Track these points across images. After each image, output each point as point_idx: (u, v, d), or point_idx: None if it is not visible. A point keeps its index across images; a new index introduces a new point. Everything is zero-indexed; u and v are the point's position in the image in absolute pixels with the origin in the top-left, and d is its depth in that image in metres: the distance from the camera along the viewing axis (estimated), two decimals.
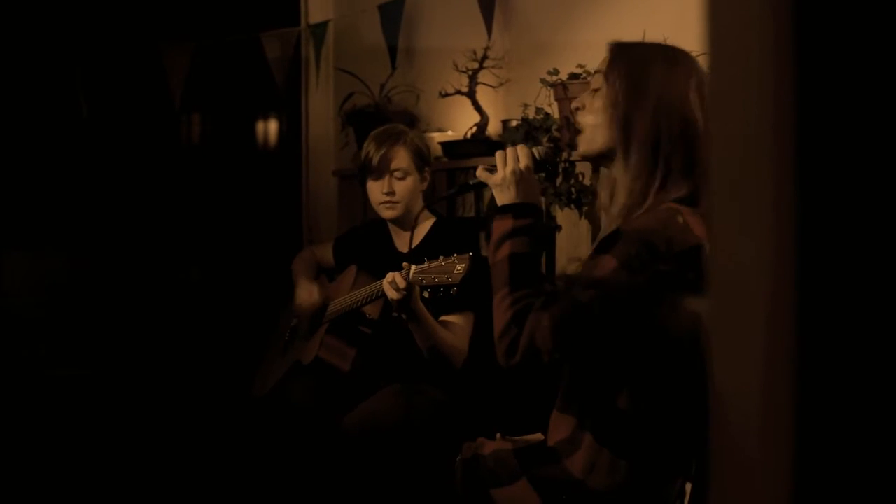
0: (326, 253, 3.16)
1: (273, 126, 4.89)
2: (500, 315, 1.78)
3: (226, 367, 3.85)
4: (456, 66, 3.56)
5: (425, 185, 2.87)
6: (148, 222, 4.74)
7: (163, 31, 4.45)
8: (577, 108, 1.90)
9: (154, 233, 4.74)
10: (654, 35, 2.82)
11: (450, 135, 3.74)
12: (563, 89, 3.05)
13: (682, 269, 1.71)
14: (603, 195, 1.88)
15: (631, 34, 2.87)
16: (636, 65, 1.82)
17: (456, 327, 2.64)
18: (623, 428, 1.80)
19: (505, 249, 1.83)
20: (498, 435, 2.06)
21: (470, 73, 3.53)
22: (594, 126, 1.85)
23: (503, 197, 1.88)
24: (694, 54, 2.71)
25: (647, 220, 1.76)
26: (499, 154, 1.92)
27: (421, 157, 2.83)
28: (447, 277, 2.26)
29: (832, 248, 0.70)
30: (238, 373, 3.36)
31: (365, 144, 2.86)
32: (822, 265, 0.70)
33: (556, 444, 1.88)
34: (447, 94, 3.57)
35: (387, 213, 2.83)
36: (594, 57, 2.66)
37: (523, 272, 1.80)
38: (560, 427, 1.89)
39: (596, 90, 1.87)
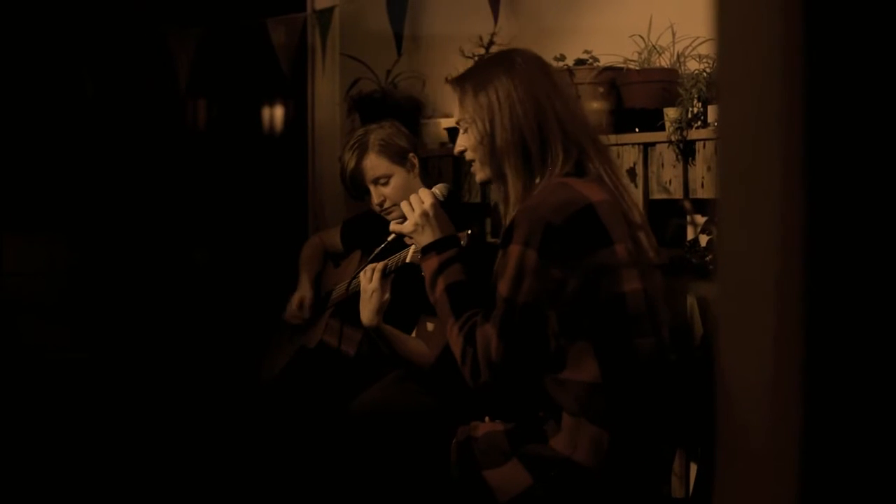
0: (334, 238, 3.15)
1: (279, 112, 4.88)
2: (455, 343, 1.90)
3: (232, 352, 3.85)
4: (462, 51, 3.55)
5: (416, 170, 2.82)
6: (153, 207, 4.74)
7: (169, 16, 4.44)
8: (461, 152, 2.03)
9: (159, 218, 4.74)
10: (660, 21, 2.81)
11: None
12: (570, 75, 3.05)
13: (576, 228, 1.82)
14: (502, 206, 2.01)
15: (637, 19, 2.87)
16: (479, 89, 1.95)
17: (430, 333, 2.59)
18: (592, 399, 1.85)
19: (440, 284, 1.95)
20: (486, 419, 2.09)
21: (476, 58, 3.52)
22: (478, 162, 1.99)
23: (422, 239, 2.02)
24: (701, 40, 2.71)
25: (534, 198, 1.88)
26: (404, 204, 2.06)
27: (396, 151, 2.77)
28: None
29: (839, 236, 0.70)
30: (244, 358, 3.37)
31: (341, 161, 2.83)
32: (829, 253, 0.70)
33: (546, 425, 1.92)
34: None
35: (391, 219, 2.81)
36: (601, 42, 2.68)
37: (463, 298, 1.93)
38: (548, 409, 1.94)
39: (465, 130, 2.00)
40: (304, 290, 3.02)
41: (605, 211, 1.85)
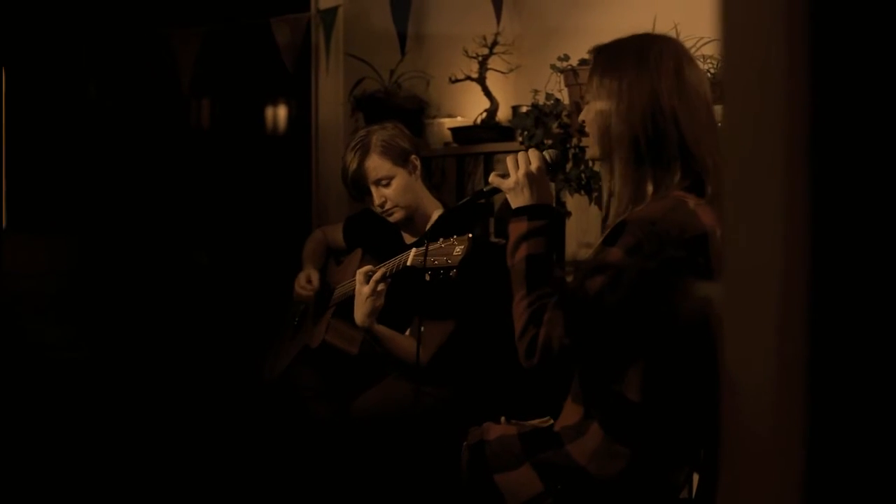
0: (337, 234, 3.15)
1: (282, 111, 4.89)
2: (519, 316, 1.83)
3: (235, 352, 3.86)
4: (466, 51, 3.55)
5: (417, 171, 2.81)
6: (157, 207, 4.74)
7: (173, 16, 4.45)
8: (583, 121, 1.95)
9: (163, 218, 4.75)
10: (665, 21, 2.81)
11: (459, 121, 3.73)
12: (574, 75, 3.04)
13: (688, 256, 1.74)
14: (605, 190, 1.94)
15: (641, 19, 2.86)
16: (607, 72, 1.87)
17: (423, 336, 2.59)
18: (630, 417, 1.81)
19: (522, 251, 1.87)
20: (503, 419, 2.07)
21: (480, 58, 3.52)
22: (590, 136, 1.91)
23: (517, 200, 1.93)
24: (705, 40, 2.71)
25: (652, 209, 1.79)
26: (510, 158, 1.96)
27: (398, 152, 2.76)
28: (446, 259, 2.27)
29: (844, 238, 0.70)
30: (248, 358, 3.37)
31: (342, 163, 2.82)
32: (834, 256, 0.70)
33: (561, 430, 1.89)
34: (457, 80, 3.56)
35: (393, 220, 2.81)
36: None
37: (540, 272, 1.85)
38: (569, 414, 1.90)
39: (587, 102, 1.93)
40: (309, 271, 3.03)
41: (717, 243, 1.77)
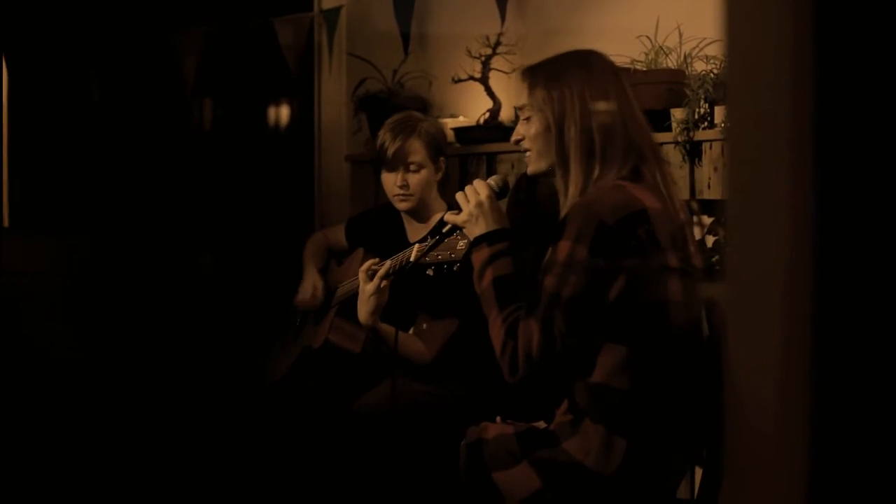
0: (339, 235, 3.15)
1: (285, 111, 4.89)
2: (496, 335, 1.90)
3: (238, 353, 3.86)
4: (469, 52, 3.55)
5: (440, 175, 2.85)
6: (159, 207, 4.74)
7: (176, 16, 4.45)
8: (518, 140, 2.03)
9: (165, 218, 4.75)
10: (668, 22, 2.81)
11: (462, 121, 3.73)
12: None
13: (630, 231, 1.82)
14: (561, 199, 2.01)
15: (644, 20, 2.87)
16: (553, 82, 1.95)
17: (427, 334, 2.63)
18: (618, 406, 1.85)
19: (488, 276, 1.94)
20: (498, 419, 2.09)
21: (483, 59, 3.52)
22: (536, 152, 1.99)
23: (475, 230, 2.00)
24: (708, 41, 2.72)
25: (587, 196, 1.89)
26: (459, 195, 2.04)
27: (436, 148, 2.81)
28: (450, 254, 2.28)
29: (849, 236, 0.70)
30: (250, 359, 3.37)
31: (380, 133, 2.83)
32: (838, 255, 0.70)
33: (557, 427, 1.92)
34: (460, 80, 3.56)
35: (401, 206, 2.82)
36: (608, 43, 2.68)
37: (509, 291, 1.92)
38: (563, 414, 1.93)
39: (527, 119, 2.00)
40: (314, 278, 3.03)
41: (658, 218, 1.86)
